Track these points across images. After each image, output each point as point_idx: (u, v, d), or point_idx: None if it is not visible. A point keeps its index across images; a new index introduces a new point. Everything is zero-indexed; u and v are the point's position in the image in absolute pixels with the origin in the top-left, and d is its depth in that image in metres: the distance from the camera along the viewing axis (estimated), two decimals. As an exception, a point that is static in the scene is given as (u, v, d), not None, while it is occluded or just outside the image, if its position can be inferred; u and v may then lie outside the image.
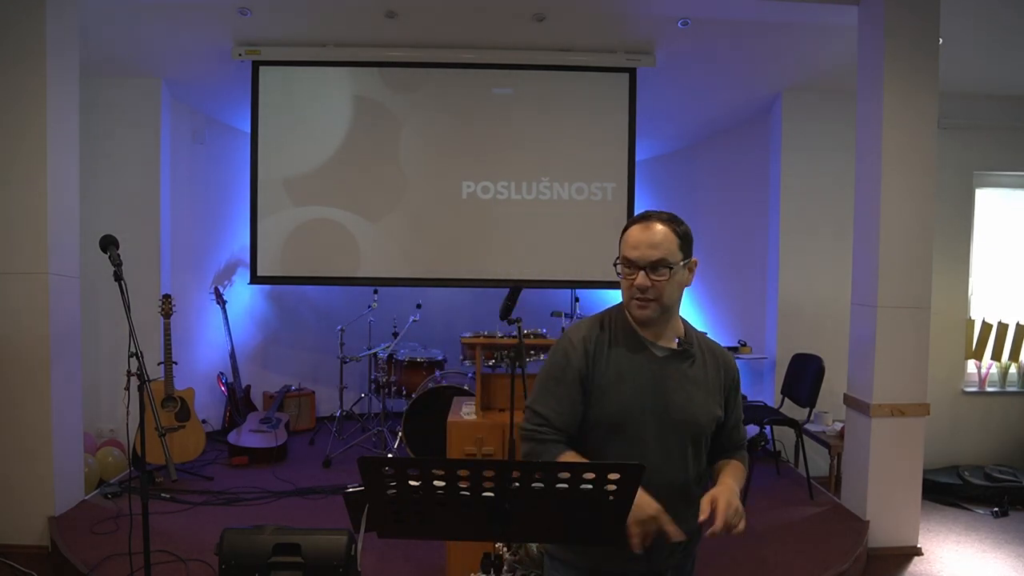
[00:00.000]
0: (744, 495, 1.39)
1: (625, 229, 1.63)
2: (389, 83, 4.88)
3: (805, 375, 4.45)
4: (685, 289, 1.66)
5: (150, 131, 4.82)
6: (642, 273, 1.56)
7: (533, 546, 2.13)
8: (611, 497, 1.34)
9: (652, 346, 1.63)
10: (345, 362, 5.31)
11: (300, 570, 2.20)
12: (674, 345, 1.65)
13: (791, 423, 4.33)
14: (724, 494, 1.52)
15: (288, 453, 4.91)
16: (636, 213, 5.08)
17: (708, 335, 1.86)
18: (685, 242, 1.60)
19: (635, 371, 1.60)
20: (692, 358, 1.65)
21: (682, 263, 1.59)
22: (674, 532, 1.48)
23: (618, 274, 1.63)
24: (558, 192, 4.94)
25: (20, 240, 3.49)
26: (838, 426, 4.41)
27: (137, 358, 2.48)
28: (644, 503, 1.46)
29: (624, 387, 1.59)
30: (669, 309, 1.61)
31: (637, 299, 1.58)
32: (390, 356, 5.23)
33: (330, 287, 5.74)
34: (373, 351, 5.21)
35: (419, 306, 5.26)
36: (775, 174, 5.16)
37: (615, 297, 1.68)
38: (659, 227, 1.58)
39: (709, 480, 1.69)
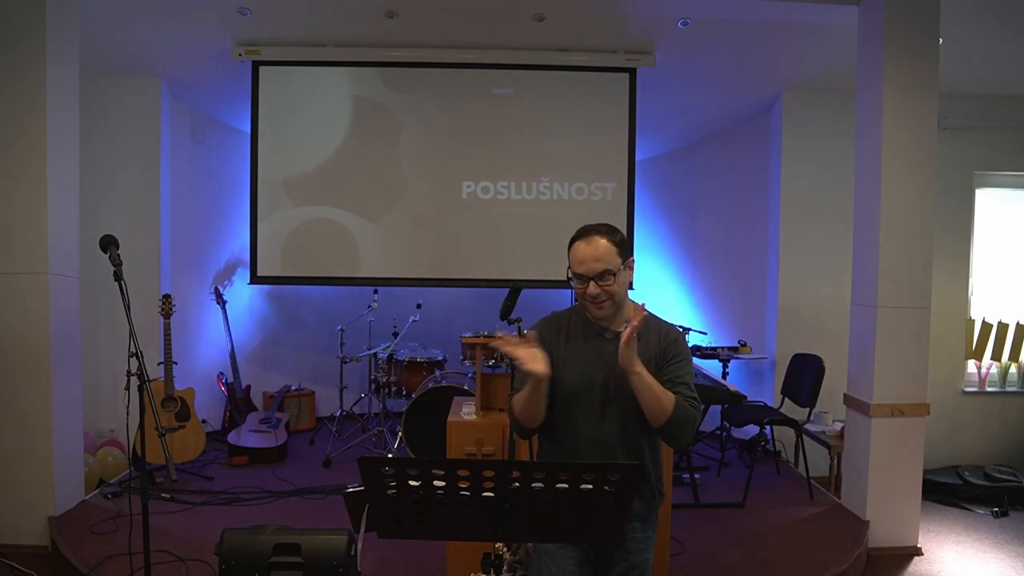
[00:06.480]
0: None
1: (571, 244, 1.86)
2: (389, 83, 4.88)
3: (805, 375, 4.45)
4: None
5: (150, 131, 4.82)
6: (592, 283, 1.79)
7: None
8: (610, 497, 1.34)
9: (604, 332, 1.89)
10: (345, 362, 5.31)
11: (300, 570, 2.20)
12: (622, 328, 1.82)
13: (791, 423, 4.33)
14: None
15: (288, 453, 4.91)
16: (635, 213, 5.10)
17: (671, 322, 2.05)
18: (622, 248, 1.83)
19: (589, 352, 1.88)
20: (638, 337, 1.82)
21: (622, 266, 1.83)
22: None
23: (569, 280, 1.86)
24: (558, 192, 4.94)
25: (20, 240, 3.49)
26: (838, 426, 4.41)
27: (137, 358, 2.48)
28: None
29: (577, 365, 1.87)
30: (620, 303, 1.86)
31: (592, 303, 1.83)
32: (390, 356, 5.22)
33: (330, 287, 5.74)
34: (373, 351, 5.21)
35: (419, 306, 5.26)
36: (775, 174, 5.16)
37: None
38: (600, 241, 1.81)
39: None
